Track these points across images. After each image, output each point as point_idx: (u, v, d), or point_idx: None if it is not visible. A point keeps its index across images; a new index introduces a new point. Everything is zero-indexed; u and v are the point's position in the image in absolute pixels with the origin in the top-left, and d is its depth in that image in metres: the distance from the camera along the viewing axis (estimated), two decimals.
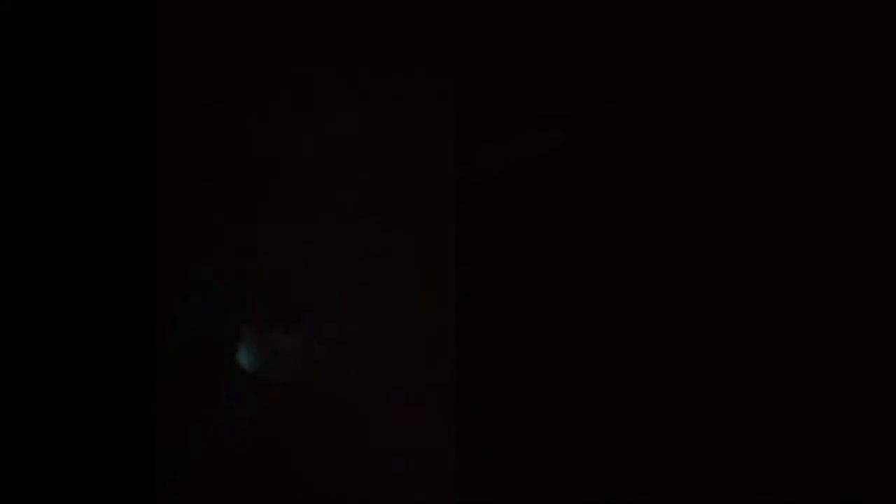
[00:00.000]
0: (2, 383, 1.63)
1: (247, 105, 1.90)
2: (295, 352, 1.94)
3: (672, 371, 2.47)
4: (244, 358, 1.94)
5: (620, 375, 2.49)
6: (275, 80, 1.90)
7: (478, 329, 2.17)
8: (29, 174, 1.65)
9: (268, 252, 1.93)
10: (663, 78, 2.47)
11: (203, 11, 1.88)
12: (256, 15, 1.89)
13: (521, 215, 2.37)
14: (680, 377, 2.45)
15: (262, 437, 1.94)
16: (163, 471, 1.89)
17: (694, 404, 2.39)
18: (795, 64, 2.42)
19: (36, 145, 1.66)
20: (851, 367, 2.41)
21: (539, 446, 2.32)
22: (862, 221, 2.45)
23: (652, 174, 2.52)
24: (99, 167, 1.67)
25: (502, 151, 2.28)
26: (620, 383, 2.46)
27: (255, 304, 1.94)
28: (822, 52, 2.40)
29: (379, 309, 1.93)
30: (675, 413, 2.38)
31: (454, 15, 1.88)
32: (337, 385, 1.93)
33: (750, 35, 2.44)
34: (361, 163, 1.91)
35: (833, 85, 2.42)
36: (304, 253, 1.93)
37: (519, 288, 2.36)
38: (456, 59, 1.89)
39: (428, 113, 1.89)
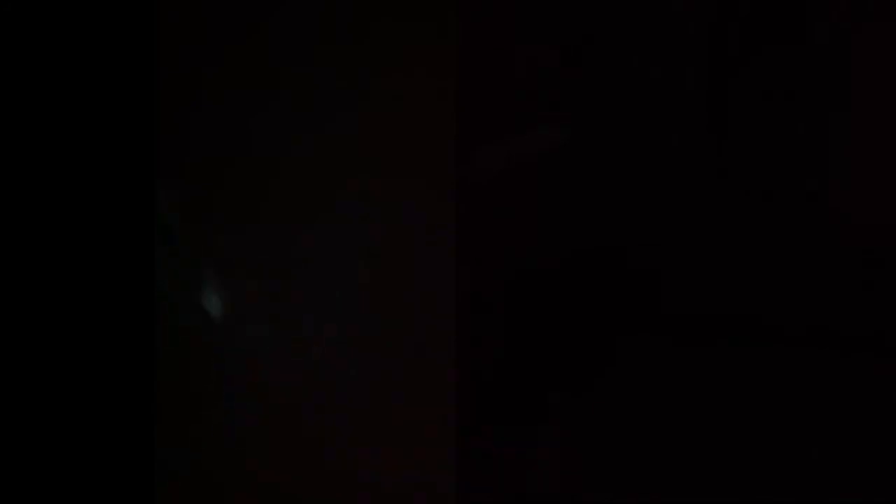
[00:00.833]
0: (2, 384, 1.63)
1: (247, 105, 1.90)
2: (295, 352, 1.94)
3: (669, 372, 2.47)
4: (242, 355, 1.94)
5: (619, 375, 2.48)
6: (275, 80, 1.90)
7: (478, 329, 2.17)
8: (29, 174, 1.65)
9: (268, 252, 1.93)
10: (663, 78, 2.47)
11: (203, 11, 1.89)
12: (256, 15, 1.89)
13: (521, 215, 2.37)
14: (677, 378, 2.45)
15: (262, 437, 1.94)
16: (163, 471, 1.89)
17: (693, 403, 2.39)
18: (795, 64, 2.42)
19: (36, 145, 1.66)
20: (849, 367, 2.42)
21: (538, 445, 2.32)
22: (861, 221, 2.45)
23: (652, 174, 2.52)
24: (99, 167, 1.67)
25: (502, 151, 2.27)
26: (617, 383, 2.46)
27: (255, 303, 1.94)
28: (822, 52, 2.41)
29: (379, 309, 1.93)
30: (673, 412, 2.37)
31: (454, 15, 1.88)
32: (337, 385, 1.93)
33: (750, 35, 2.44)
34: (361, 163, 1.91)
35: (833, 85, 2.42)
36: (304, 253, 1.93)
37: (518, 288, 2.36)
38: (456, 59, 1.89)
39: (428, 113, 1.89)
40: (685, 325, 2.56)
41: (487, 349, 2.27)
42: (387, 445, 1.94)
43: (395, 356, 1.93)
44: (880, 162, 2.46)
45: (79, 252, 1.67)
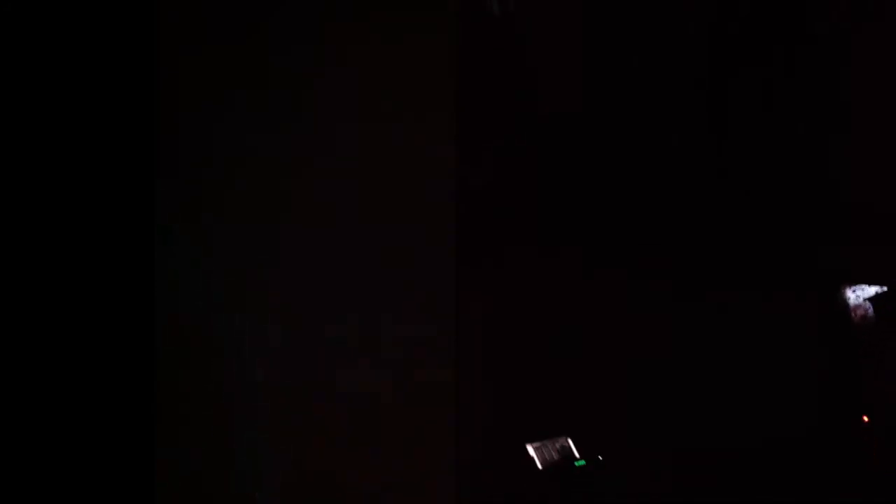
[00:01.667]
0: (2, 384, 1.63)
1: (247, 105, 1.90)
2: (295, 352, 1.94)
3: (670, 369, 2.48)
4: (243, 358, 1.95)
5: (618, 374, 2.49)
6: (275, 81, 1.90)
7: (478, 329, 2.17)
8: (29, 174, 1.65)
9: (268, 252, 1.93)
10: (663, 78, 2.47)
11: (203, 11, 1.89)
12: (256, 15, 1.89)
13: (521, 215, 2.37)
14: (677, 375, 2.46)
15: (262, 437, 1.94)
16: (163, 471, 1.89)
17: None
18: (795, 64, 2.42)
19: (36, 145, 1.66)
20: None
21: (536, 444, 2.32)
22: (861, 220, 2.45)
23: (652, 174, 2.52)
24: (99, 167, 1.67)
25: (502, 152, 2.28)
26: (615, 385, 2.46)
27: (254, 303, 1.94)
28: (822, 52, 2.41)
29: (379, 309, 1.93)
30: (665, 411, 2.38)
31: (454, 15, 1.88)
32: (337, 385, 1.93)
33: (750, 35, 2.44)
34: (361, 163, 1.91)
35: (833, 85, 2.42)
36: (304, 253, 1.93)
37: (518, 288, 2.36)
38: (456, 59, 1.89)
39: (428, 113, 1.89)
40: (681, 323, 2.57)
41: (487, 349, 2.27)
42: (387, 445, 1.94)
43: (395, 356, 1.93)
44: (880, 161, 2.47)
45: (79, 252, 1.67)
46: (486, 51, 2.16)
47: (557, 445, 2.27)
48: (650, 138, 2.51)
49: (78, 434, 1.66)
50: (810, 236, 2.48)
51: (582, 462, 2.26)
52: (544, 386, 2.43)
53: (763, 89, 2.46)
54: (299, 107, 1.91)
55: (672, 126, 2.50)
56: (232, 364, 1.94)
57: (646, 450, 2.44)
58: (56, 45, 1.67)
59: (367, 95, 1.91)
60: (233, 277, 1.93)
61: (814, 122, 2.44)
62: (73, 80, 1.68)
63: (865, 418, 2.51)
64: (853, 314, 2.70)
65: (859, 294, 2.65)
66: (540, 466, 2.20)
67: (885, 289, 2.57)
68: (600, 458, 2.22)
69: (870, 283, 2.61)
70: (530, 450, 2.22)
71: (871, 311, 2.64)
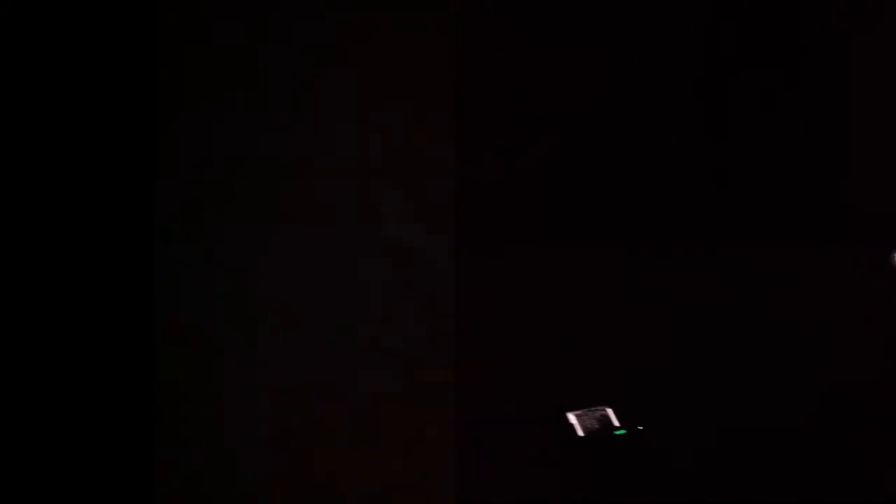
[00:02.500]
0: (3, 384, 1.63)
1: (247, 105, 1.90)
2: (295, 352, 1.94)
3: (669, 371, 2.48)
4: (243, 358, 1.94)
5: (616, 374, 2.49)
6: (275, 81, 1.90)
7: (478, 329, 2.17)
8: (29, 174, 1.65)
9: (268, 252, 1.93)
10: (663, 78, 2.47)
11: (203, 11, 1.88)
12: (256, 15, 1.89)
13: (521, 215, 2.37)
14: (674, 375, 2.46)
15: (262, 437, 1.94)
16: (163, 471, 1.89)
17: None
18: (795, 64, 2.42)
19: (37, 145, 1.65)
20: None
21: (537, 443, 2.32)
22: (861, 220, 2.45)
23: (652, 174, 2.52)
24: (99, 167, 1.67)
25: (502, 152, 2.28)
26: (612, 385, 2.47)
27: (254, 303, 1.94)
28: (822, 52, 2.41)
29: (379, 309, 1.93)
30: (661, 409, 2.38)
31: (454, 15, 1.88)
32: (337, 385, 1.93)
33: (750, 35, 2.44)
34: (361, 163, 1.91)
35: (833, 85, 2.42)
36: (304, 253, 1.93)
37: (518, 288, 2.36)
38: (456, 59, 1.89)
39: (428, 113, 1.89)
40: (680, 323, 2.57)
41: (486, 349, 2.27)
42: (387, 445, 1.93)
43: (395, 356, 1.93)
44: (880, 161, 2.46)
45: (79, 252, 1.67)
46: (486, 51, 2.16)
47: (598, 414, 2.31)
48: (650, 138, 2.51)
49: (78, 434, 1.66)
50: (810, 236, 2.48)
51: (622, 430, 2.30)
52: (544, 385, 2.43)
53: (763, 89, 2.46)
54: (299, 107, 1.91)
55: (672, 126, 2.50)
56: (232, 364, 1.93)
57: (646, 450, 2.43)
58: (56, 46, 1.67)
59: (367, 95, 1.91)
60: (233, 277, 1.93)
61: (813, 123, 2.44)
62: (74, 80, 1.67)
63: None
64: (853, 313, 2.69)
65: (859, 293, 2.65)
66: (581, 434, 2.24)
67: (884, 289, 2.57)
68: (640, 427, 2.25)
69: (870, 284, 2.61)
70: (571, 418, 2.25)
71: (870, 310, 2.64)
